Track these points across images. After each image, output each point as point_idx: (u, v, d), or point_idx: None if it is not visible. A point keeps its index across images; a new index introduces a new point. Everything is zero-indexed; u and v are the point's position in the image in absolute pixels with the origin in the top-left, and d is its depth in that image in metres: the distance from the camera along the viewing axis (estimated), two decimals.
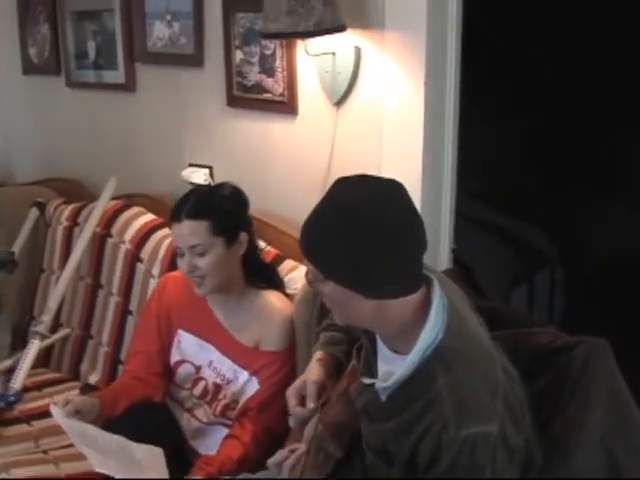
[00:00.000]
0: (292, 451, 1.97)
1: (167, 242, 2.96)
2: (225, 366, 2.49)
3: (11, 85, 4.07)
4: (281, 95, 2.84)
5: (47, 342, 3.18)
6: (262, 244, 2.67)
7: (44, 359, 3.31)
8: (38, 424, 2.86)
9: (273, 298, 2.51)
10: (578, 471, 1.75)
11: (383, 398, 1.72)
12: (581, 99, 3.33)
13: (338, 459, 1.86)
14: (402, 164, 2.56)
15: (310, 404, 1.92)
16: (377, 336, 1.78)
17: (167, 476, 2.14)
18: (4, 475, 2.52)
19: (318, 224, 1.65)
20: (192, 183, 3.10)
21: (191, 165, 3.22)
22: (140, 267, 3.07)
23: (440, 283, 1.70)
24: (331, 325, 2.07)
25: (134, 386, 2.54)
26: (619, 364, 1.84)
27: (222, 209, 2.40)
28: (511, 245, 3.61)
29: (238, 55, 2.95)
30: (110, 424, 2.32)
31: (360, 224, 1.57)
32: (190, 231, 2.34)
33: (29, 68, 3.92)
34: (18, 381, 2.95)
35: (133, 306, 3.09)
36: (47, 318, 3.17)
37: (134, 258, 3.10)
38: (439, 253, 2.69)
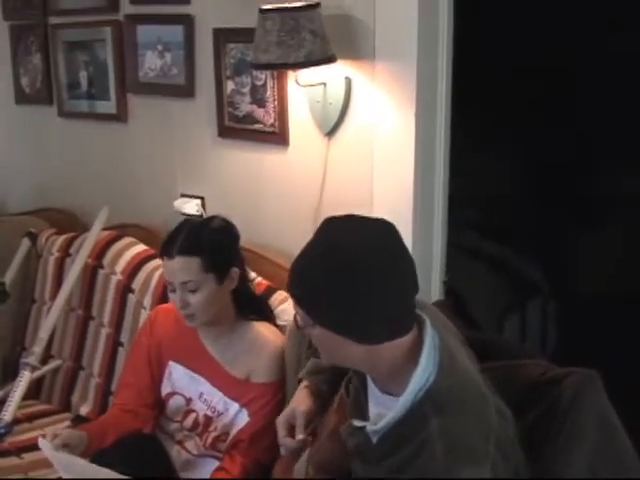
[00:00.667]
0: None
1: (159, 273, 2.95)
2: (216, 398, 2.48)
3: (3, 115, 4.07)
4: (272, 125, 2.84)
5: (38, 373, 3.16)
6: (253, 275, 2.67)
7: (35, 390, 3.27)
8: (28, 457, 2.82)
9: (264, 330, 2.50)
10: None
11: (374, 440, 1.70)
12: (577, 131, 3.33)
13: None
14: (393, 194, 2.57)
15: (299, 435, 1.91)
16: (367, 377, 1.76)
17: None
18: None
19: (307, 269, 1.63)
20: (184, 214, 3.10)
21: (183, 195, 3.22)
22: (132, 298, 3.06)
23: (431, 321, 1.69)
24: None
25: (123, 418, 2.52)
26: (610, 395, 1.83)
27: (213, 244, 2.39)
28: (503, 275, 3.61)
29: (229, 85, 2.96)
30: (100, 456, 2.30)
31: (350, 270, 1.55)
32: (181, 267, 2.33)
33: (21, 98, 3.92)
34: (9, 413, 2.92)
35: (124, 337, 3.07)
36: (38, 349, 3.15)
37: (125, 289, 3.09)
38: (431, 284, 2.69)
